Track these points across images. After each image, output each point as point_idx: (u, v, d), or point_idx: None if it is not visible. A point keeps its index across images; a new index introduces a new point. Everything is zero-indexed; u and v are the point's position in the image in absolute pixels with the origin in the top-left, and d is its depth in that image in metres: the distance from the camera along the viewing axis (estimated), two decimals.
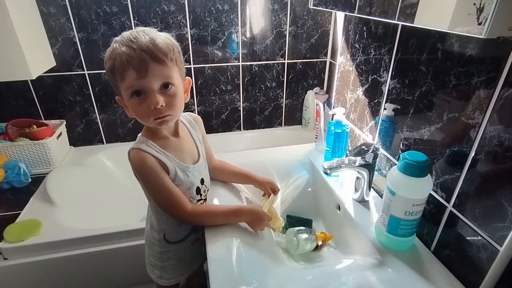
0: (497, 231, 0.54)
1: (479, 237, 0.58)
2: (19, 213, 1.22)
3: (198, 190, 0.80)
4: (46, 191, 1.33)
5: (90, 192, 1.47)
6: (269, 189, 0.88)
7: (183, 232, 0.82)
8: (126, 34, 0.66)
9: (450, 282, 0.61)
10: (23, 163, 1.42)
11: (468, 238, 0.60)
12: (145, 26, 0.71)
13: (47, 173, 1.45)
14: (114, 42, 0.66)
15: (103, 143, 1.75)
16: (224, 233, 0.73)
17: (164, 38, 0.67)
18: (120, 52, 0.63)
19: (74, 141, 1.71)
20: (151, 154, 0.71)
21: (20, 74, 1.29)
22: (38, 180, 1.43)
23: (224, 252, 0.68)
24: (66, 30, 1.47)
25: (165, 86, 0.67)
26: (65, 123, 1.62)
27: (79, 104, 1.63)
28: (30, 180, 1.42)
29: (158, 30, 0.68)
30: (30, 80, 1.49)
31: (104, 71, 1.55)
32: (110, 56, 0.65)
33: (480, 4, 0.42)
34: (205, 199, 0.83)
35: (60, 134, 1.58)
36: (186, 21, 1.57)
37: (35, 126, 1.53)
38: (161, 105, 0.65)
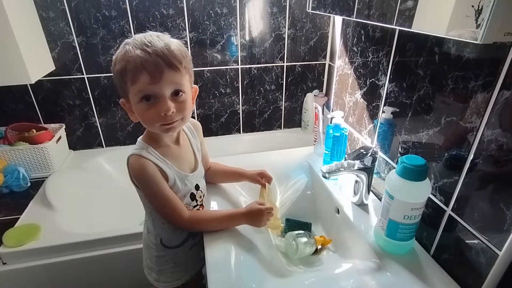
0: (496, 235, 0.54)
1: (478, 241, 0.58)
2: (18, 218, 1.22)
3: (192, 196, 0.80)
4: (45, 195, 1.33)
5: (90, 196, 1.47)
6: (262, 180, 0.88)
7: (179, 237, 0.82)
8: (139, 37, 0.64)
9: (449, 286, 0.61)
10: (23, 167, 1.42)
11: (467, 242, 0.60)
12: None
13: (47, 177, 1.45)
14: (126, 44, 0.64)
15: (103, 147, 1.75)
16: (222, 237, 0.73)
17: (177, 45, 0.66)
18: (134, 55, 0.61)
19: (74, 144, 1.71)
20: (151, 161, 0.70)
21: (19, 78, 1.29)
22: (37, 184, 1.43)
23: (222, 256, 0.68)
24: (65, 34, 1.47)
25: (176, 93, 0.66)
26: (64, 127, 1.63)
27: (78, 108, 1.63)
28: (29, 184, 1.42)
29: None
30: (30, 84, 1.49)
31: (104, 74, 1.58)
32: (122, 58, 0.63)
33: (479, 6, 0.42)
34: (201, 205, 0.83)
35: (60, 138, 1.58)
36: (185, 25, 1.57)
37: (34, 130, 1.53)
38: (172, 112, 0.65)
